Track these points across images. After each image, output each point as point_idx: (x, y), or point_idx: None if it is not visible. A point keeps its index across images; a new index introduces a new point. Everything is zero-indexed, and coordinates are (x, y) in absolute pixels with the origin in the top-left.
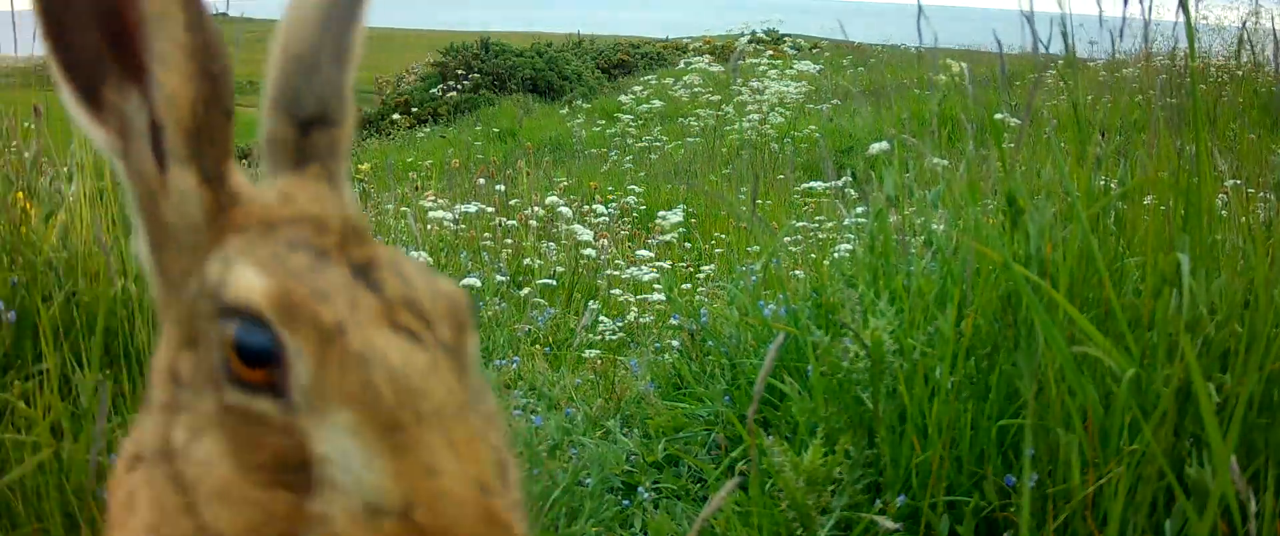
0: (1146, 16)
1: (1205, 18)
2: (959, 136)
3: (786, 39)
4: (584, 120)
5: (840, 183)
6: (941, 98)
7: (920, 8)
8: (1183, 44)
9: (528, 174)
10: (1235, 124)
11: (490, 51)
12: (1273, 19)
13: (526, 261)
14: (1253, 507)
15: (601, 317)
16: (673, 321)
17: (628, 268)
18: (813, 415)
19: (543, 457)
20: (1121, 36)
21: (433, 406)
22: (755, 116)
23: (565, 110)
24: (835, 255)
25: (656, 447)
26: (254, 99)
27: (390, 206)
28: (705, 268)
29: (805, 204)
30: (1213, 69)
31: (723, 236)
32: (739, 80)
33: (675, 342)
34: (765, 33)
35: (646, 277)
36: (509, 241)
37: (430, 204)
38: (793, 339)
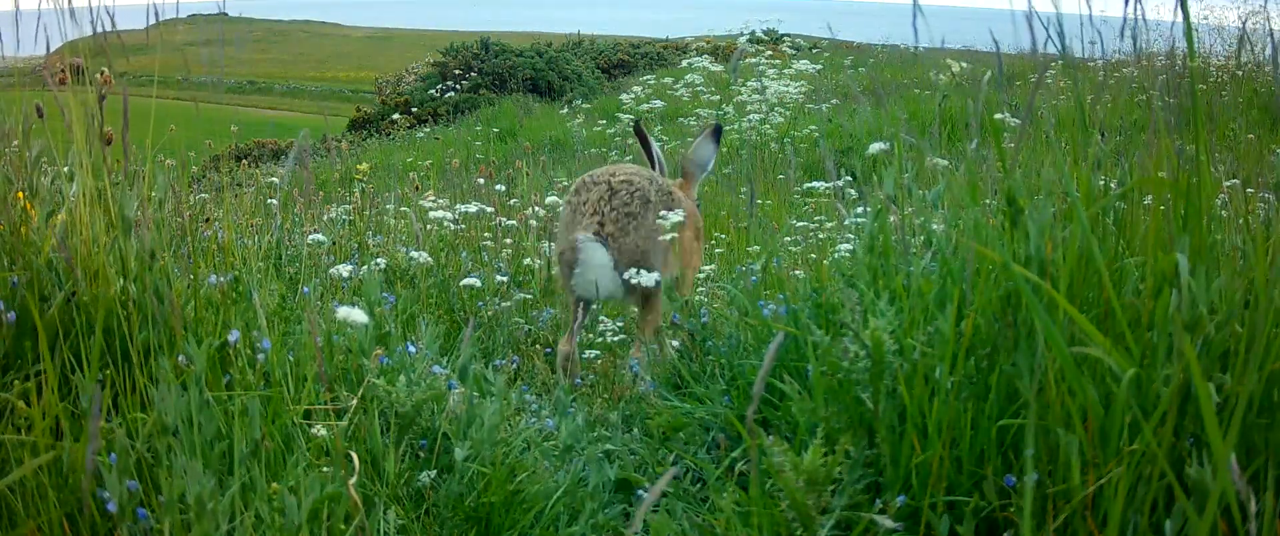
0: (1142, 16)
1: (1205, 18)
2: (959, 136)
3: (786, 38)
4: (584, 120)
5: (840, 183)
6: (943, 97)
7: (919, 7)
8: (1182, 44)
9: (528, 174)
10: (1235, 124)
11: (490, 51)
12: (1272, 19)
13: (527, 261)
14: (1253, 507)
15: (602, 318)
16: (673, 321)
17: None
18: (813, 415)
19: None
20: (1121, 36)
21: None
22: (755, 116)
23: (565, 110)
24: (835, 255)
25: (656, 449)
26: (255, 99)
27: (390, 206)
28: (705, 267)
29: (805, 204)
30: (1213, 69)
31: (723, 236)
32: (739, 80)
33: (675, 342)
34: (765, 32)
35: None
36: (509, 241)
37: (430, 204)
38: (793, 339)
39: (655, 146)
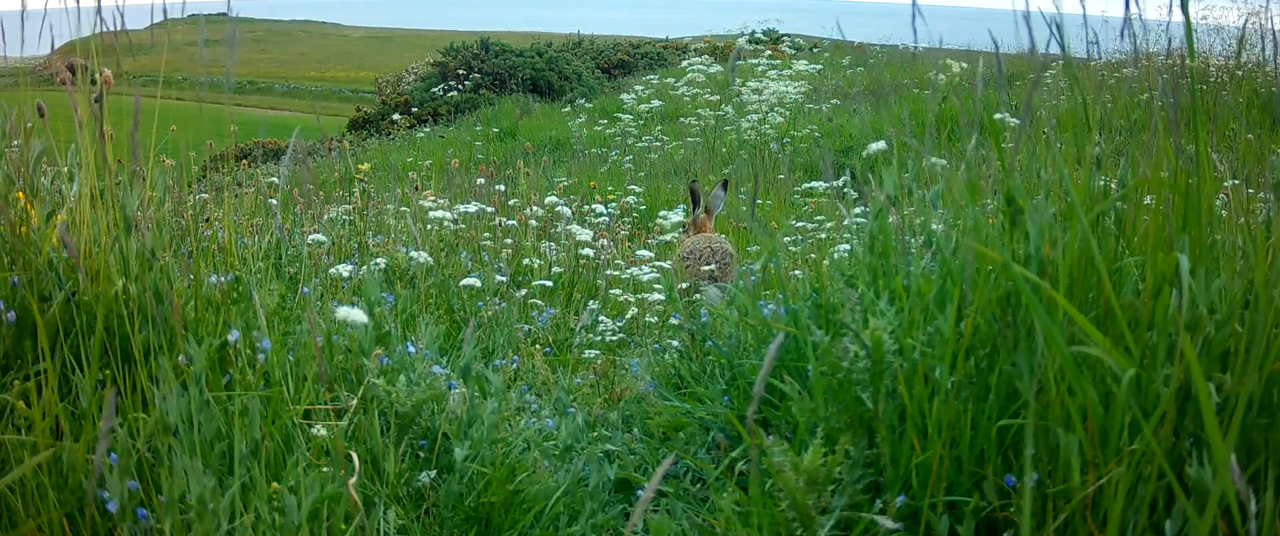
0: (1142, 16)
1: (1204, 18)
2: (958, 137)
3: (785, 38)
4: (584, 120)
5: (840, 183)
6: (943, 99)
7: (918, 8)
8: (1181, 44)
9: (527, 174)
10: (1235, 124)
11: (490, 51)
12: (1272, 19)
13: (526, 261)
14: (1253, 507)
15: (601, 318)
16: (673, 321)
17: (628, 268)
18: (813, 415)
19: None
20: (1121, 36)
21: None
22: (755, 116)
23: (566, 109)
24: (835, 255)
25: (656, 448)
26: (254, 99)
27: (390, 206)
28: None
29: (805, 204)
30: (1213, 69)
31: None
32: (739, 80)
33: (675, 342)
34: (764, 33)
35: (646, 277)
36: (509, 241)
37: (430, 204)
38: (793, 339)
39: (701, 194)
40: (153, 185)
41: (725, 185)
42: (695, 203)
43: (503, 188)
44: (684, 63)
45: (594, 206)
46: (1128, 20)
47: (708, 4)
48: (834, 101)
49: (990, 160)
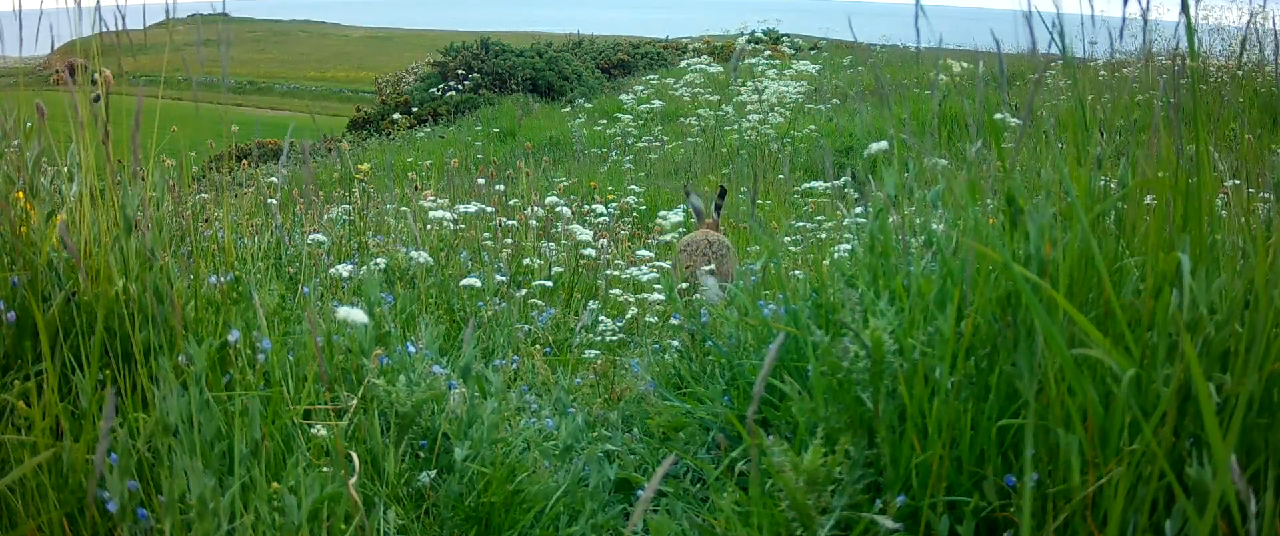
0: (1144, 16)
1: (1205, 18)
2: (958, 136)
3: (785, 38)
4: (584, 120)
5: (840, 183)
6: (942, 98)
7: (920, 6)
8: (1182, 44)
9: (527, 174)
10: (1235, 124)
11: (490, 51)
12: (1273, 19)
13: (526, 261)
14: (1253, 507)
15: (601, 318)
16: (673, 321)
17: (628, 268)
18: (813, 415)
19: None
20: (1121, 36)
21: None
22: (755, 116)
23: (566, 109)
24: (835, 255)
25: (656, 448)
26: (254, 99)
27: (390, 206)
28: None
29: (805, 204)
30: (1213, 69)
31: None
32: (738, 80)
33: (675, 342)
34: (764, 33)
35: (646, 278)
36: (509, 241)
37: (430, 204)
38: (793, 339)
39: (696, 198)
40: (153, 185)
41: (723, 194)
42: (699, 217)
43: (503, 188)
44: (684, 62)
45: (594, 206)
46: (1127, 20)
47: (708, 4)
48: (834, 101)
49: (990, 160)
